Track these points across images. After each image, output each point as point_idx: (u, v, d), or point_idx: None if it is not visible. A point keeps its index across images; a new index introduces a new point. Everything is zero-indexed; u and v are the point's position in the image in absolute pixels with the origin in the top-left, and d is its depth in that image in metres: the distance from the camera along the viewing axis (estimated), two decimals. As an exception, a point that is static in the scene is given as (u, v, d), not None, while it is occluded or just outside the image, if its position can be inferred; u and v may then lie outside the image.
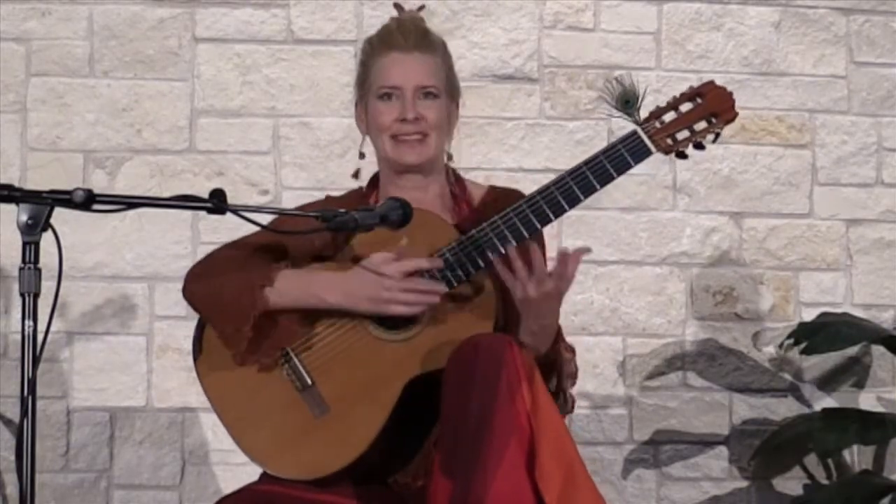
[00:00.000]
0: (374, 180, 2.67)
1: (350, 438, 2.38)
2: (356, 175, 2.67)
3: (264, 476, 2.45)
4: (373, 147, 2.62)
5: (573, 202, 2.44)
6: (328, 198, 2.68)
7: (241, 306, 2.40)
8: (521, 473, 2.19)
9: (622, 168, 2.45)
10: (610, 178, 2.45)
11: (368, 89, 2.58)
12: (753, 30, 3.87)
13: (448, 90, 2.59)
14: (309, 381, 2.42)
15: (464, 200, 2.62)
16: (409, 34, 2.58)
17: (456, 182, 2.65)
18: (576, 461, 2.26)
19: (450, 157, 2.64)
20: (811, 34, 3.89)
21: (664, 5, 3.86)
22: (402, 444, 2.43)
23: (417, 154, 2.54)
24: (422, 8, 2.66)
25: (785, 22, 3.88)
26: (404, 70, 2.54)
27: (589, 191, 2.44)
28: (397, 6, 2.67)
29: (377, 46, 2.59)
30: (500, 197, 2.61)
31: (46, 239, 2.07)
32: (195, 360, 2.50)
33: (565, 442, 2.26)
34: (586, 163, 2.46)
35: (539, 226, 2.44)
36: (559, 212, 2.44)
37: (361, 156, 2.63)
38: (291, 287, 2.42)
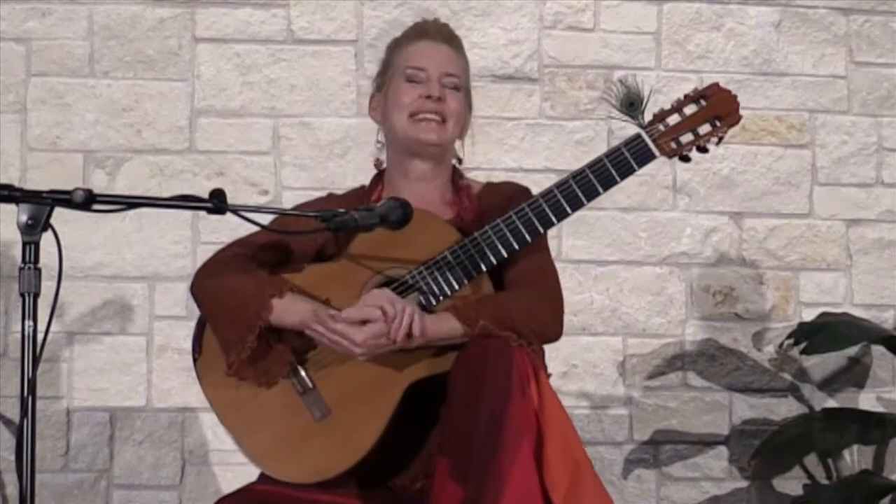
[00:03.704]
0: (376, 180, 2.66)
1: (351, 442, 2.38)
2: (377, 164, 2.67)
3: (263, 475, 2.45)
4: (385, 136, 2.62)
5: (576, 205, 2.44)
6: (330, 195, 2.68)
7: (247, 314, 2.40)
8: (532, 473, 2.20)
9: (626, 172, 2.44)
10: (613, 182, 2.44)
11: (392, 73, 2.59)
12: (753, 30, 3.87)
13: (466, 91, 2.62)
14: (310, 385, 2.42)
15: (465, 193, 2.62)
16: (440, 29, 2.63)
17: (458, 177, 2.66)
18: (582, 460, 2.27)
19: (459, 161, 2.65)
20: (811, 34, 3.89)
21: (664, 5, 3.86)
22: (402, 447, 2.43)
23: (436, 133, 2.55)
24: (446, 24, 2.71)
25: (785, 22, 3.88)
26: (433, 55, 2.57)
27: (592, 194, 2.44)
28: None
29: (405, 37, 2.63)
30: (496, 189, 2.62)
31: (46, 239, 2.08)
32: (195, 361, 2.50)
33: (572, 440, 2.27)
34: (590, 166, 2.45)
35: (542, 229, 2.44)
36: (562, 215, 2.44)
37: (379, 145, 2.64)
38: (296, 311, 2.42)
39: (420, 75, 2.55)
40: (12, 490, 3.59)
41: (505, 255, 2.43)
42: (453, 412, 2.28)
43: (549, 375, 2.36)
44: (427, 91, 2.53)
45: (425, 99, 2.53)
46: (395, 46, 2.63)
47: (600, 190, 2.44)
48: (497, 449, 2.19)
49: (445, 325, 2.37)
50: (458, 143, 2.66)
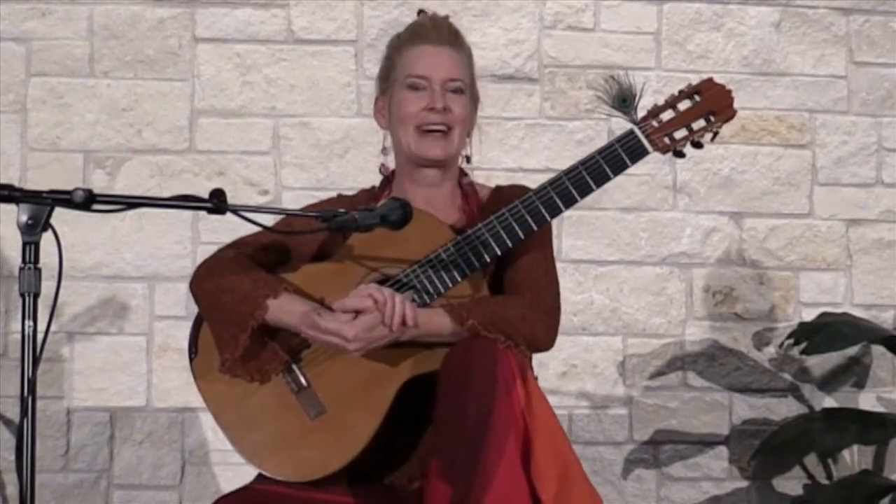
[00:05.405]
0: (385, 182, 2.66)
1: (346, 440, 2.38)
2: (382, 170, 2.66)
3: (261, 474, 2.45)
4: (392, 142, 2.61)
5: (569, 202, 2.43)
6: (340, 196, 2.68)
7: (241, 313, 2.40)
8: (519, 472, 2.20)
9: (619, 168, 2.43)
10: (606, 178, 2.44)
11: (395, 80, 2.57)
12: (753, 30, 3.87)
13: (471, 91, 2.60)
14: (305, 383, 2.42)
15: (473, 199, 2.61)
16: (441, 30, 2.58)
17: (466, 181, 2.65)
18: (571, 460, 2.26)
19: (468, 160, 2.64)
20: (811, 34, 3.89)
21: (664, 5, 3.86)
22: (399, 445, 2.43)
23: (442, 148, 2.53)
24: (446, 17, 2.66)
25: (785, 22, 3.88)
26: (434, 61, 2.54)
27: (585, 191, 2.43)
28: (422, 11, 2.66)
29: (407, 39, 2.59)
30: (505, 194, 2.59)
31: (46, 239, 2.08)
32: (191, 360, 2.50)
33: (560, 440, 2.27)
34: (583, 162, 2.44)
35: (535, 226, 2.43)
36: (555, 212, 2.44)
37: (384, 151, 2.63)
38: (290, 311, 2.42)
39: (422, 83, 2.53)
40: (12, 490, 3.59)
41: (499, 252, 2.43)
42: (442, 412, 2.28)
43: (535, 378, 2.36)
44: (431, 102, 2.51)
45: (429, 111, 2.52)
46: (396, 48, 2.60)
47: (593, 186, 2.43)
48: (483, 448, 2.18)
49: (437, 320, 2.37)
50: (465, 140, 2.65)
